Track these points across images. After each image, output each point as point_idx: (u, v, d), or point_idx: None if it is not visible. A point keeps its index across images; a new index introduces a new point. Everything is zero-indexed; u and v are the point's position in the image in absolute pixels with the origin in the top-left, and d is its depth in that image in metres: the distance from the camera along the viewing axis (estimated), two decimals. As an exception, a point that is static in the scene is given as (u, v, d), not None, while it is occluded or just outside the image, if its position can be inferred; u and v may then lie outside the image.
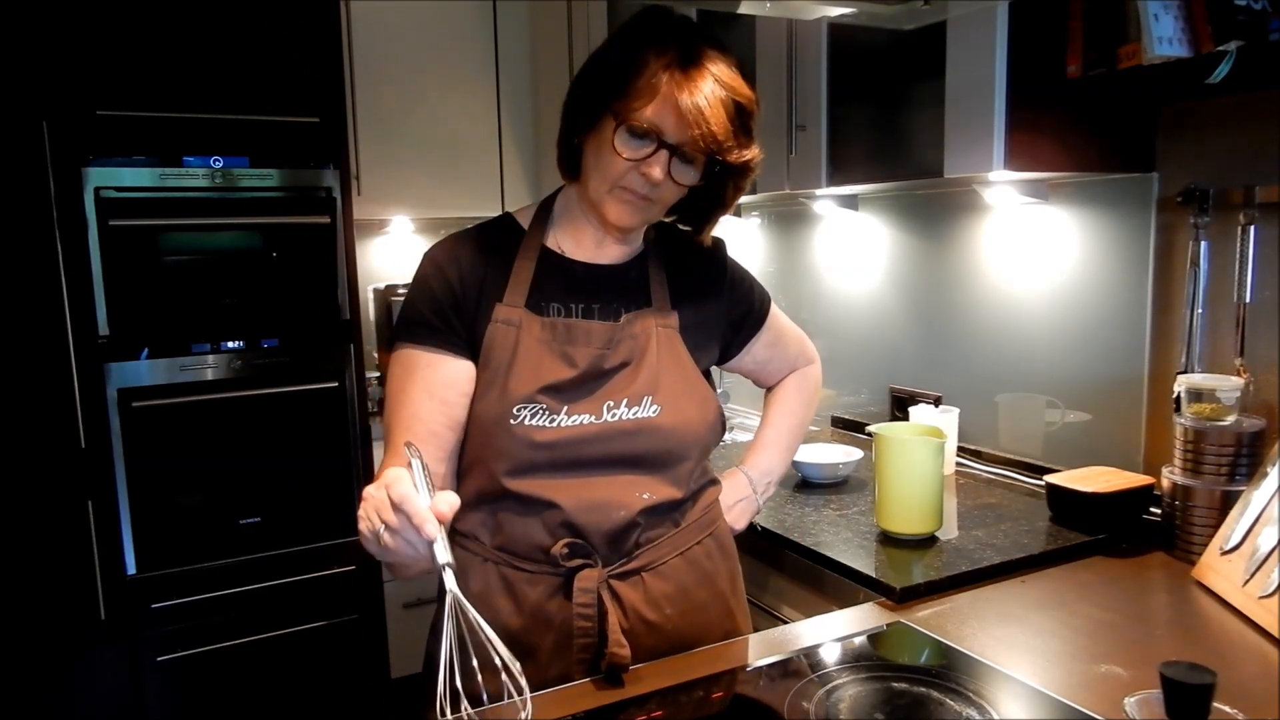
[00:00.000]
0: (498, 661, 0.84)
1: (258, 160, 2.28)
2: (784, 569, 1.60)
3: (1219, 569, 1.30)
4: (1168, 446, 1.51)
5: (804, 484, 1.89)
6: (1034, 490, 1.78)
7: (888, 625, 1.23)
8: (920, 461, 1.48)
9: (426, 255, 1.14)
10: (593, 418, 1.09)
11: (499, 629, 0.88)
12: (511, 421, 1.07)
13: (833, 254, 2.40)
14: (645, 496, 1.11)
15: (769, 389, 1.44)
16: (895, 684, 1.04)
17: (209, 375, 2.28)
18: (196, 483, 2.28)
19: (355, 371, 2.45)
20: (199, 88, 2.21)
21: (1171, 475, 1.46)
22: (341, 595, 2.46)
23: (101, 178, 2.12)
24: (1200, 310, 1.55)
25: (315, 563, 2.42)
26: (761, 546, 1.62)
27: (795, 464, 1.85)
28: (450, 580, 0.84)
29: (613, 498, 1.10)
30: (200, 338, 2.27)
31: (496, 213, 1.23)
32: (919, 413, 1.98)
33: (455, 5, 2.85)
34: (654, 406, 1.11)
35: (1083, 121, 1.55)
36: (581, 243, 1.16)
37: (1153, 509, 1.56)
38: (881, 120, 1.79)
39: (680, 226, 1.22)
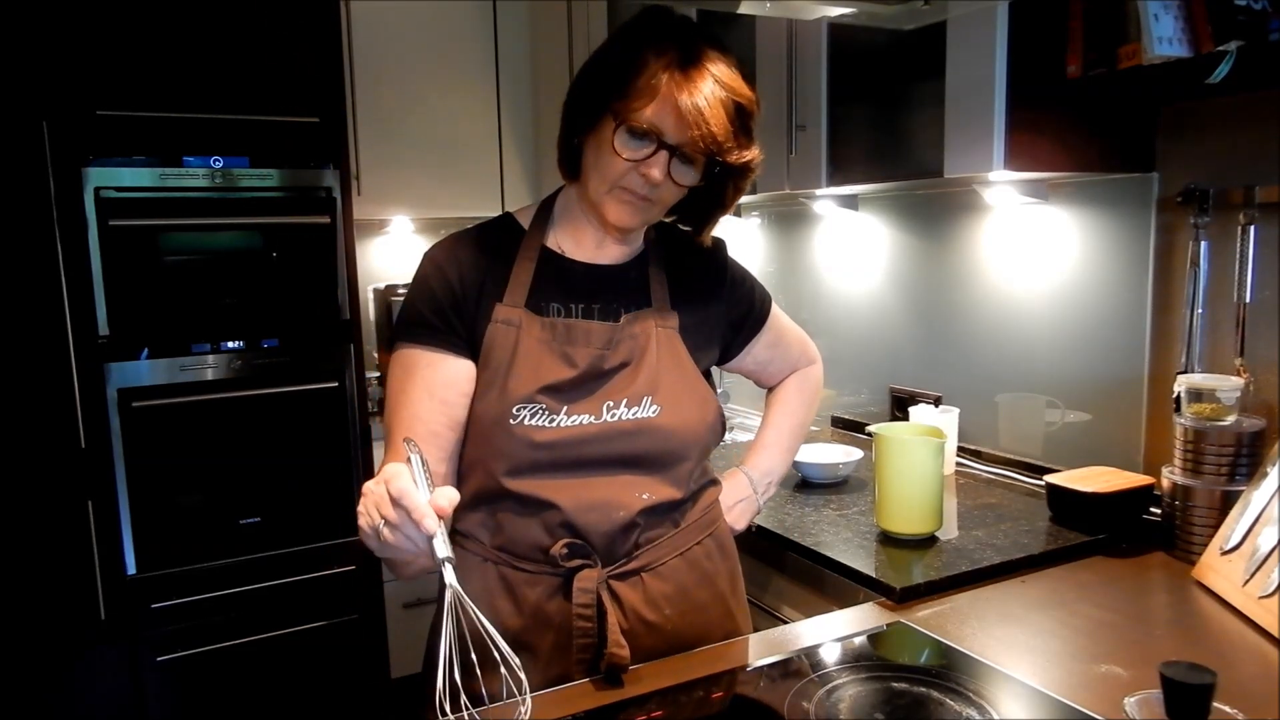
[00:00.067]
0: (497, 657, 0.84)
1: (258, 160, 2.28)
2: (784, 569, 1.60)
3: (1219, 569, 1.30)
4: (1168, 446, 1.51)
5: (804, 484, 1.89)
6: (1034, 490, 1.78)
7: (888, 625, 1.23)
8: (920, 461, 1.48)
9: (426, 255, 1.14)
10: (592, 418, 1.09)
11: (499, 629, 0.88)
12: (511, 421, 1.07)
13: (833, 254, 2.40)
14: (645, 497, 1.11)
15: (770, 389, 1.44)
16: (895, 684, 1.04)
17: (209, 375, 2.28)
18: (196, 483, 2.28)
19: (355, 371, 2.45)
20: (199, 88, 2.21)
21: (1171, 475, 1.46)
22: (341, 595, 2.46)
23: (101, 178, 2.12)
24: (1200, 310, 1.55)
25: (315, 562, 2.42)
26: (761, 547, 1.62)
27: (795, 464, 1.85)
28: (450, 575, 0.84)
29: (612, 498, 1.10)
30: (200, 338, 2.27)
31: (496, 213, 1.23)
32: (919, 413, 1.98)
33: (455, 5, 2.85)
34: (654, 407, 1.11)
35: (1083, 121, 1.55)
36: (582, 243, 1.16)
37: (1153, 509, 1.56)
38: (881, 120, 1.79)
39: (680, 227, 1.22)
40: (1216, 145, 1.54)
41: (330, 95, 2.37)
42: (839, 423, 2.38)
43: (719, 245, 1.27)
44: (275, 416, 2.35)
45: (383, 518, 0.84)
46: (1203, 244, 1.53)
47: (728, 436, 2.22)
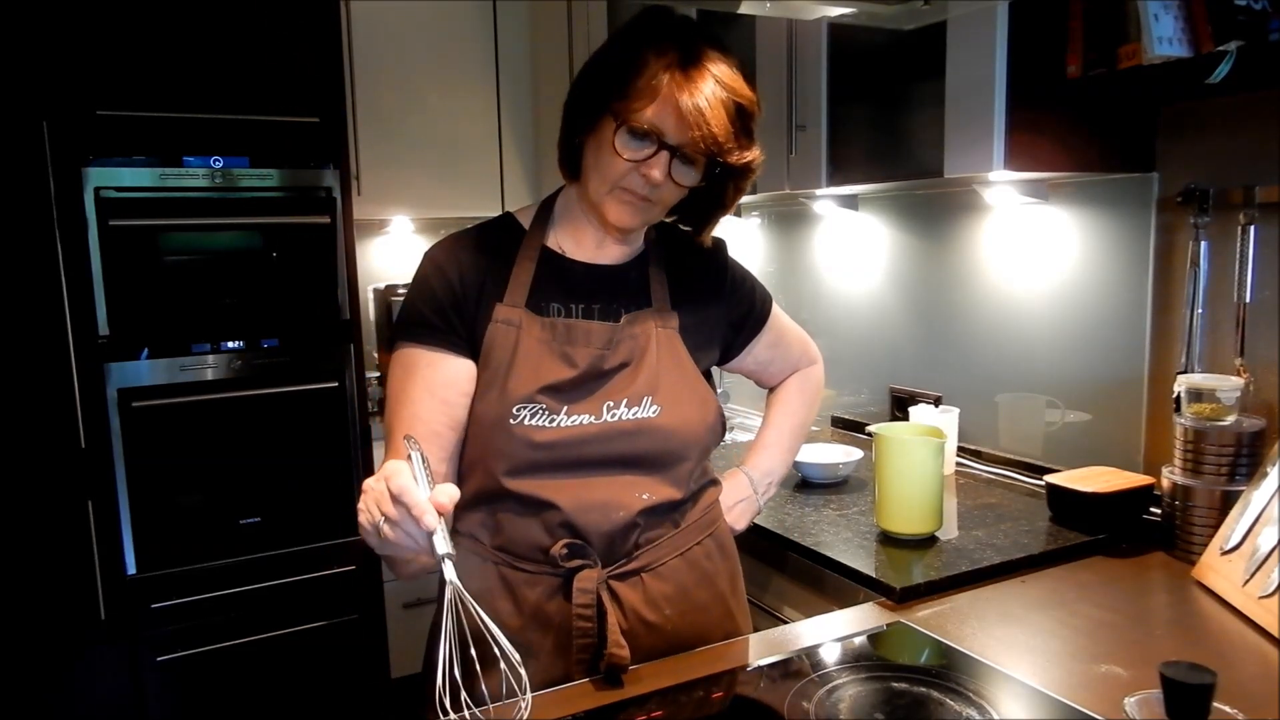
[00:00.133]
0: (497, 652, 0.84)
1: (258, 160, 2.28)
2: (784, 569, 1.60)
3: (1219, 569, 1.30)
4: (1168, 446, 1.51)
5: (804, 484, 1.89)
6: (1034, 490, 1.78)
7: (888, 625, 1.23)
8: (920, 461, 1.48)
9: (427, 255, 1.14)
10: (592, 418, 1.09)
11: (499, 629, 0.88)
12: (511, 421, 1.07)
13: (833, 254, 2.40)
14: (645, 497, 1.11)
15: (771, 389, 1.44)
16: (895, 684, 1.04)
17: (209, 375, 2.28)
18: (196, 483, 2.28)
19: (355, 371, 2.45)
20: (199, 88, 2.21)
21: (1171, 475, 1.46)
22: (341, 595, 2.46)
23: (101, 178, 2.12)
24: (1200, 310, 1.55)
25: (315, 562, 2.42)
26: (762, 547, 1.62)
27: (795, 464, 1.85)
28: (450, 571, 0.84)
29: (612, 498, 1.10)
30: (200, 338, 2.27)
31: (496, 213, 1.23)
32: (919, 413, 1.98)
33: (455, 5, 2.85)
34: (654, 407, 1.11)
35: (1083, 121, 1.55)
36: (582, 243, 1.16)
37: (1153, 509, 1.56)
38: (881, 120, 1.79)
39: (681, 227, 1.22)
40: (1216, 145, 1.54)
41: (330, 95, 2.37)
42: (839, 423, 2.38)
43: (719, 245, 1.27)
44: (275, 416, 2.35)
45: (383, 514, 0.84)
46: (1203, 244, 1.53)
47: (728, 436, 2.22)
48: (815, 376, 1.45)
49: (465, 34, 2.88)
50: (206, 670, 2.30)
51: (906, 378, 2.19)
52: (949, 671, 1.07)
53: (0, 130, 2.01)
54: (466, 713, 0.85)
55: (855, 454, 1.94)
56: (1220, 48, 1.27)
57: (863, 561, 1.43)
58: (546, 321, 1.10)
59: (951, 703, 0.99)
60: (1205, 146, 1.55)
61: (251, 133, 2.27)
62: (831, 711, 0.98)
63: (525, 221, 1.18)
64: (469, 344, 1.10)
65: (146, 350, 2.21)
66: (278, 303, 2.34)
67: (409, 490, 0.82)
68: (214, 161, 2.24)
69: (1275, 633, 1.15)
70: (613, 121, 1.03)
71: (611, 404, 1.09)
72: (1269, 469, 1.30)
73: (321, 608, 2.43)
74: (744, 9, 1.40)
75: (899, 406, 2.16)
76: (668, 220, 1.20)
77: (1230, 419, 1.42)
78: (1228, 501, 1.36)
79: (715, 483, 1.26)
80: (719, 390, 1.45)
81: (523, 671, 0.85)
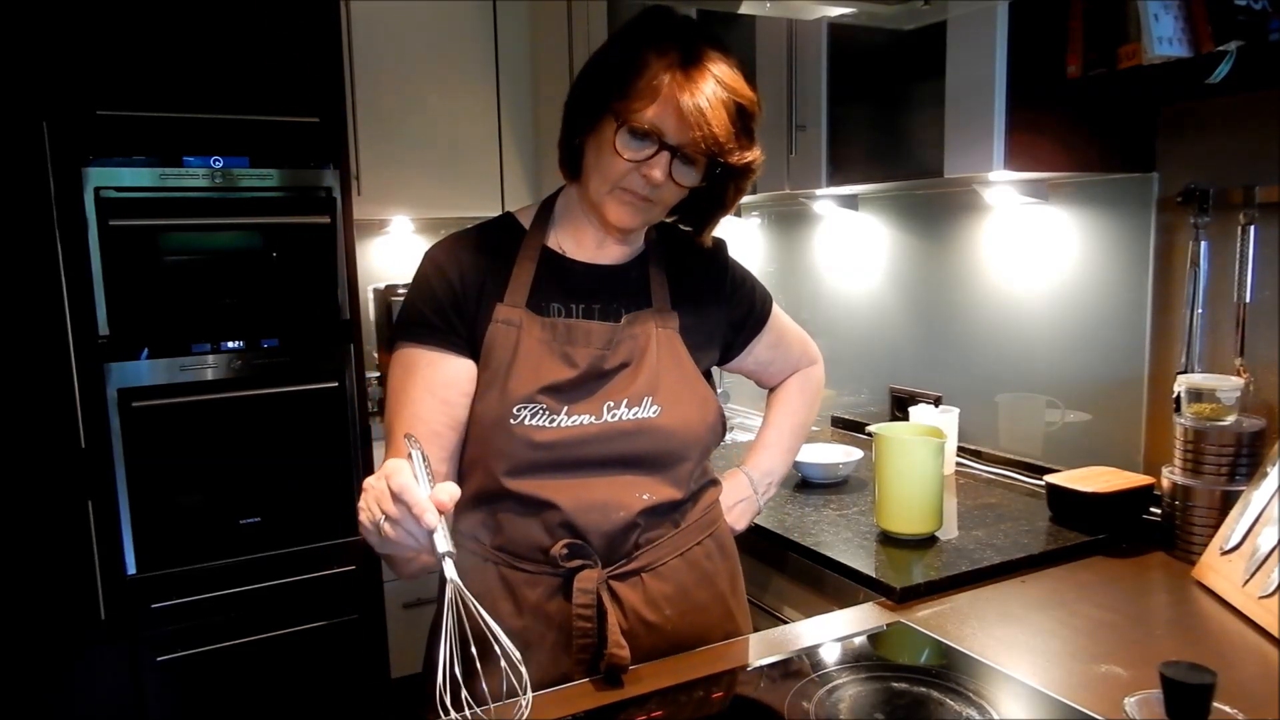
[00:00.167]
0: (498, 650, 0.84)
1: (258, 160, 2.28)
2: (784, 569, 1.60)
3: (1219, 569, 1.30)
4: (1168, 446, 1.51)
5: (804, 484, 1.89)
6: (1034, 490, 1.78)
7: (888, 625, 1.23)
8: (920, 461, 1.48)
9: (427, 255, 1.14)
10: (593, 418, 1.09)
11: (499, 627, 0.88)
12: (511, 421, 1.07)
13: (833, 254, 2.40)
14: (645, 497, 1.11)
15: (771, 389, 1.44)
16: (895, 684, 1.04)
17: (209, 375, 2.28)
18: (196, 483, 2.28)
19: (355, 371, 2.45)
20: (199, 88, 2.21)
21: (1171, 475, 1.46)
22: (341, 595, 2.46)
23: (101, 178, 2.12)
24: (1200, 310, 1.55)
25: (315, 563, 2.42)
26: (762, 547, 1.62)
27: (795, 464, 1.85)
28: (450, 569, 0.83)
29: (612, 498, 1.10)
30: (200, 338, 2.27)
31: (496, 213, 1.23)
32: (919, 413, 1.98)
33: (455, 5, 2.85)
34: (654, 407, 1.11)
35: (1083, 121, 1.55)
36: (582, 243, 1.16)
37: (1153, 509, 1.56)
38: (881, 120, 1.79)
39: (681, 227, 1.22)
40: (1216, 145, 1.54)
41: (330, 95, 2.37)
42: (839, 423, 2.38)
43: (720, 246, 1.27)
44: (275, 416, 2.35)
45: (383, 513, 0.84)
46: (1203, 244, 1.53)
47: (728, 436, 2.22)
48: (815, 376, 1.45)
49: (465, 34, 2.88)
50: (206, 670, 2.30)
51: (906, 378, 2.19)
52: (949, 671, 1.07)
53: (0, 130, 2.01)
54: (467, 711, 0.85)
55: (855, 454, 1.94)
56: (1220, 48, 1.27)
57: (863, 561, 1.43)
58: (547, 321, 1.10)
59: (951, 703, 0.99)
60: (1205, 146, 1.55)
61: (251, 133, 2.27)
62: (831, 711, 0.98)
63: (525, 221, 1.18)
64: (469, 344, 1.10)
65: (146, 350, 2.21)
66: (278, 303, 2.34)
67: (409, 488, 0.82)
68: (214, 161, 2.24)
69: (1275, 633, 1.15)
70: (613, 121, 1.03)
71: (612, 404, 1.09)
72: (1269, 469, 1.30)
73: (321, 608, 2.43)
74: (744, 9, 1.40)
75: (899, 406, 2.16)
76: (668, 220, 1.20)
77: (1230, 419, 1.42)
78: (1228, 501, 1.36)
79: (715, 483, 1.26)
80: (719, 390, 1.45)
81: (524, 669, 0.85)
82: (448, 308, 1.09)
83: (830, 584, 1.47)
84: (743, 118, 1.05)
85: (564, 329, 1.10)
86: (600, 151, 1.06)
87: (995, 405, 1.97)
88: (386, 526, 0.85)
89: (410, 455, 0.88)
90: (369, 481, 0.88)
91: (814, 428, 1.80)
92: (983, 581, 1.38)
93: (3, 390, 2.06)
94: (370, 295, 2.94)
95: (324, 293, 2.39)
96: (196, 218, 2.23)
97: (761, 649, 1.18)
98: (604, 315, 1.13)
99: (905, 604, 1.31)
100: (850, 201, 2.26)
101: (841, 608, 1.33)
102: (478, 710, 0.88)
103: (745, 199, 2.25)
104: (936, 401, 2.08)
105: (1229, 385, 1.43)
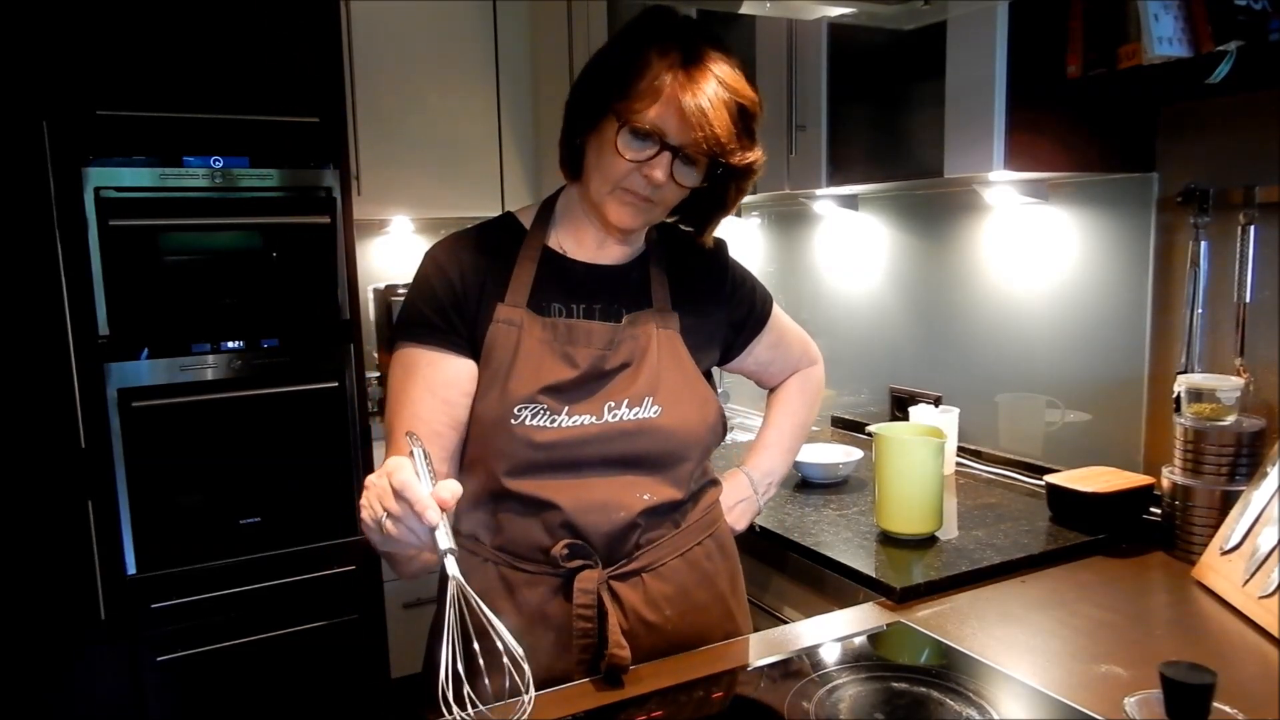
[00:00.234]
0: (500, 647, 0.84)
1: (258, 160, 2.28)
2: (784, 569, 1.60)
3: (1219, 569, 1.31)
4: (1168, 446, 1.51)
5: (804, 484, 1.89)
6: (1034, 490, 1.78)
7: (888, 625, 1.23)
8: (920, 461, 1.48)
9: (428, 254, 1.14)
10: (593, 418, 1.09)
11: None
12: (512, 422, 1.07)
13: (833, 254, 2.40)
14: (645, 497, 1.11)
15: (771, 389, 1.44)
16: (895, 684, 1.04)
17: (209, 375, 2.28)
18: (196, 483, 2.28)
19: (355, 371, 2.45)
20: (199, 88, 2.21)
21: (1171, 475, 1.46)
22: (341, 595, 2.46)
23: (101, 178, 2.12)
24: (1200, 310, 1.55)
25: (315, 563, 2.42)
26: (762, 547, 1.62)
27: (795, 464, 1.85)
28: (452, 567, 0.83)
29: (613, 498, 1.10)
30: (200, 338, 2.27)
31: (496, 213, 1.23)
32: (919, 413, 1.98)
33: (455, 5, 2.85)
34: (654, 407, 1.11)
35: (1083, 121, 1.55)
36: (583, 243, 1.16)
37: (1153, 509, 1.56)
38: (881, 120, 1.79)
39: (682, 227, 1.22)
40: (1216, 145, 1.54)
41: (330, 95, 2.37)
42: (839, 423, 2.38)
43: (720, 246, 1.27)
44: (275, 416, 2.35)
45: (385, 510, 0.84)
46: (1203, 244, 1.54)
47: (728, 436, 2.22)
48: (816, 377, 1.45)
49: (465, 34, 2.88)
50: (206, 670, 2.30)
51: (906, 378, 2.19)
52: (949, 671, 1.07)
53: (0, 130, 2.01)
54: (470, 709, 0.85)
55: (855, 454, 1.95)
56: (1220, 48, 1.27)
57: (863, 561, 1.43)
58: (548, 322, 1.10)
59: (951, 703, 0.99)
60: (1205, 146, 1.55)
61: (251, 133, 2.27)
62: (831, 711, 0.98)
63: (526, 221, 1.18)
64: (470, 344, 1.10)
65: (146, 350, 2.21)
66: (278, 303, 2.34)
67: (411, 485, 0.82)
68: (214, 161, 2.24)
69: (1275, 633, 1.15)
70: (615, 122, 1.03)
71: (612, 404, 1.09)
72: (1269, 469, 1.30)
73: (321, 608, 2.43)
74: (744, 9, 1.40)
75: (899, 406, 2.16)
76: (669, 221, 1.20)
77: (1230, 419, 1.42)
78: (1228, 501, 1.36)
79: (716, 483, 1.26)
80: (719, 390, 1.45)
81: (525, 666, 0.84)
82: (448, 307, 1.09)
83: (830, 584, 1.47)
84: (744, 118, 1.05)
85: (565, 329, 1.10)
86: (601, 152, 1.06)
87: (995, 405, 1.97)
88: (388, 523, 0.84)
89: (412, 453, 0.88)
90: (371, 479, 0.88)
91: (814, 428, 1.80)
92: (983, 581, 1.38)
93: (3, 390, 2.06)
94: (370, 295, 2.94)
95: (324, 293, 2.39)
96: (196, 218, 2.23)
97: (761, 649, 1.18)
98: (605, 315, 1.13)
99: (905, 604, 1.31)
100: (850, 201, 2.26)
101: (841, 608, 1.33)
102: (481, 708, 0.87)
103: (745, 199, 2.25)
104: (936, 401, 2.08)
105: (1229, 385, 1.43)
